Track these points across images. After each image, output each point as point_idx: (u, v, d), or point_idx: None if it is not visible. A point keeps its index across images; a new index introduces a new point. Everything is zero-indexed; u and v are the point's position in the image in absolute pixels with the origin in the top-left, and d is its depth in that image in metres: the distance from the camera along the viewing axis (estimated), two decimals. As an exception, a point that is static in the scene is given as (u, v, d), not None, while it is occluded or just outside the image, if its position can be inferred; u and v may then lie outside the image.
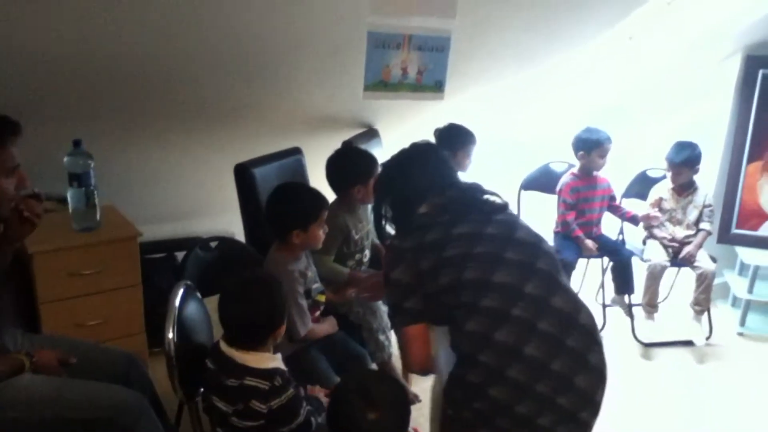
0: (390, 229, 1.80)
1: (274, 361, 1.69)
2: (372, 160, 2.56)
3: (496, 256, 1.53)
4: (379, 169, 1.99)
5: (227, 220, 3.15)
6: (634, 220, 3.57)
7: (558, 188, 3.53)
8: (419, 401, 2.61)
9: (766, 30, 3.52)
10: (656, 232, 3.56)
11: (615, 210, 3.62)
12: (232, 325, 1.66)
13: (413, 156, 1.78)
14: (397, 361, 2.73)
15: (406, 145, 1.86)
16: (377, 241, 2.77)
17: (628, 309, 3.55)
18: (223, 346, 1.67)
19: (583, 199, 3.50)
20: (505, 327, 1.47)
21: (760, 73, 3.67)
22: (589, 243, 3.46)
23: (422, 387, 2.67)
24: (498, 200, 1.68)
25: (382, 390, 1.43)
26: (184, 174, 3.15)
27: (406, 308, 1.59)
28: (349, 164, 2.52)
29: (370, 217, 2.60)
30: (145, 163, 2.97)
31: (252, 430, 1.62)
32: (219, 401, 1.63)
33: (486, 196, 1.69)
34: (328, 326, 2.26)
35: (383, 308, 2.51)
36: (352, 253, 2.57)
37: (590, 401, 1.52)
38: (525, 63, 3.21)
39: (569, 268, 3.42)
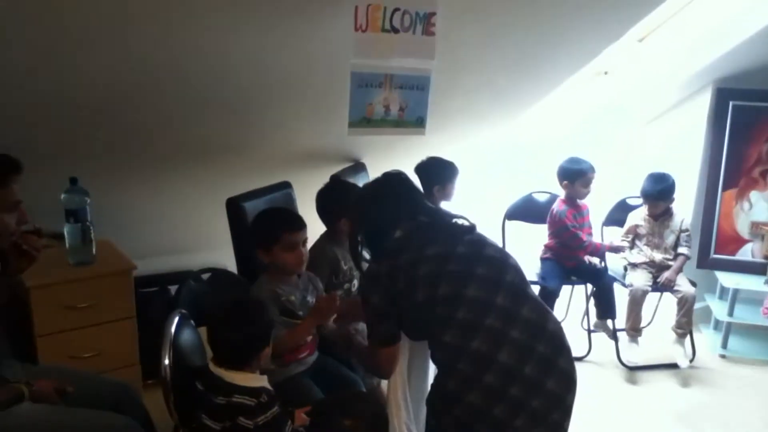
0: (366, 255, 1.91)
1: (261, 381, 1.78)
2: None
3: (467, 273, 1.64)
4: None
5: (220, 254, 3.21)
6: (594, 252, 3.64)
7: (555, 217, 3.61)
8: None
9: (734, 63, 3.67)
10: (634, 257, 3.66)
11: None
12: (219, 346, 1.75)
13: (385, 185, 1.90)
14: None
15: None
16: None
17: (612, 333, 3.64)
18: (212, 367, 1.76)
19: (577, 225, 3.61)
20: (478, 336, 1.58)
21: (731, 104, 3.83)
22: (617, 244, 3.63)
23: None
24: (466, 222, 1.80)
25: (361, 404, 1.51)
26: (178, 210, 3.22)
27: (382, 332, 1.73)
28: (335, 197, 2.63)
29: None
30: (140, 199, 3.05)
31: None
32: (208, 419, 1.71)
33: (454, 220, 1.81)
34: (300, 331, 2.18)
35: None
36: (341, 283, 2.65)
37: (561, 403, 1.63)
38: (502, 101, 3.34)
39: (553, 295, 3.51)
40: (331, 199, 2.63)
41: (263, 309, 1.88)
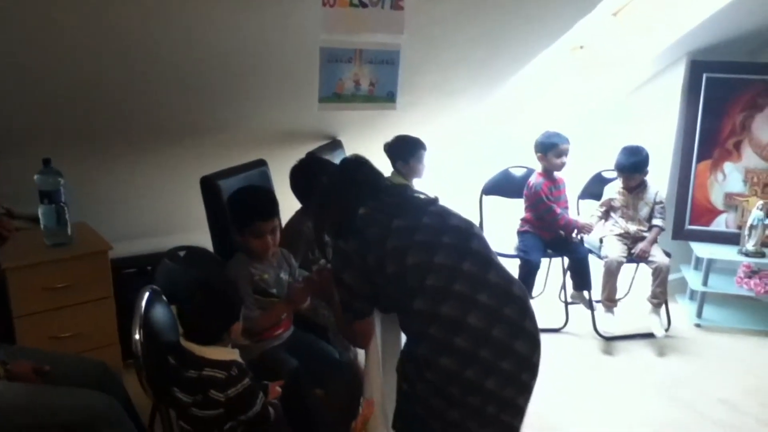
0: (328, 239, 1.93)
1: (231, 354, 1.81)
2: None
3: (434, 242, 1.69)
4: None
5: (200, 234, 3.21)
6: (567, 227, 3.68)
7: (531, 190, 3.66)
8: None
9: (708, 35, 3.69)
10: (608, 229, 3.72)
11: None
12: (188, 321, 1.79)
13: (343, 174, 1.92)
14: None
15: (368, 155, 1.99)
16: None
17: (589, 304, 3.69)
18: (183, 342, 1.79)
19: (553, 198, 3.66)
20: (448, 302, 1.62)
21: (705, 76, 3.86)
22: (583, 222, 3.67)
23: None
24: (428, 196, 1.84)
25: (333, 375, 1.54)
26: (155, 191, 3.23)
27: (355, 308, 1.79)
28: (309, 174, 2.64)
29: None
30: (116, 181, 3.06)
31: (211, 420, 1.72)
32: (179, 393, 1.74)
33: (416, 194, 1.85)
34: (273, 314, 2.25)
35: None
36: (317, 258, 2.68)
37: (529, 364, 1.70)
38: (477, 76, 3.35)
39: (535, 268, 3.55)
40: (305, 176, 2.65)
41: (232, 285, 1.90)
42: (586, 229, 3.67)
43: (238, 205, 2.30)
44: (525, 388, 1.71)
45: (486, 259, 1.72)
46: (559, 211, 3.62)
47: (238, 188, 2.40)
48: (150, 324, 1.85)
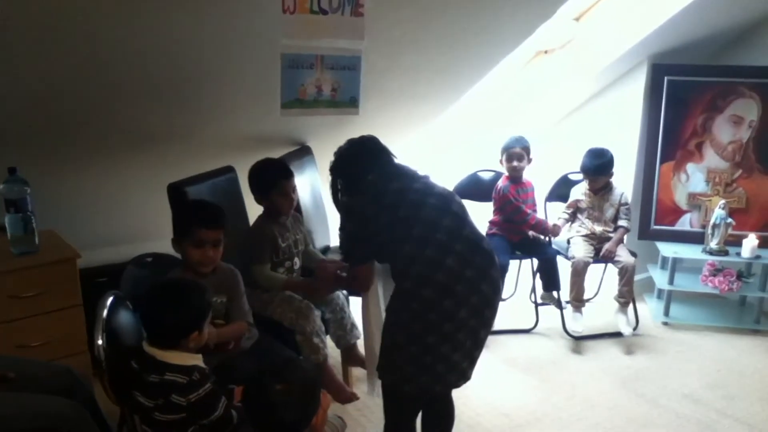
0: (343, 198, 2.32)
1: (194, 359, 1.82)
2: (282, 168, 2.75)
3: (421, 201, 2.07)
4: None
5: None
6: (537, 227, 3.73)
7: (499, 193, 3.72)
8: (357, 399, 2.76)
9: (668, 39, 3.78)
10: (575, 230, 3.79)
11: None
12: (150, 326, 1.80)
13: (361, 145, 2.30)
14: (335, 363, 2.89)
15: None
16: (321, 256, 2.95)
17: (558, 303, 3.75)
18: (146, 346, 1.80)
19: (521, 200, 3.71)
20: (430, 247, 1.99)
21: (666, 79, 3.95)
22: (552, 225, 3.71)
23: (361, 389, 2.82)
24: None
25: (293, 370, 1.57)
26: (123, 198, 3.24)
27: (358, 253, 2.19)
28: (262, 174, 2.70)
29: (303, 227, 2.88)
30: (84, 189, 3.06)
31: (174, 424, 1.74)
32: (141, 397, 1.75)
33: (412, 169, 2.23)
34: (230, 330, 2.27)
35: (316, 312, 2.66)
36: (281, 261, 2.72)
37: (490, 303, 2.07)
38: (442, 81, 3.40)
39: (504, 270, 3.59)
40: (257, 176, 2.70)
41: (197, 293, 1.90)
42: (554, 231, 3.73)
43: (181, 211, 2.36)
44: (486, 323, 2.09)
45: (462, 218, 2.09)
46: (528, 211, 3.68)
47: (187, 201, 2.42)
48: (113, 329, 1.87)
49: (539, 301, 3.84)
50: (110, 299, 1.91)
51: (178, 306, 1.81)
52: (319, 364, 2.66)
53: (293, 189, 2.75)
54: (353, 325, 2.84)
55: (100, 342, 1.79)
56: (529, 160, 3.69)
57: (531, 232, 3.72)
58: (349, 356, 2.91)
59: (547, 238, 3.85)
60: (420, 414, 2.32)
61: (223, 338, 2.20)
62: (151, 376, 1.76)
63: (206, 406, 1.76)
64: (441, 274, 1.97)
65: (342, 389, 2.77)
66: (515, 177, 3.69)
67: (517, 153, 3.63)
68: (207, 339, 1.95)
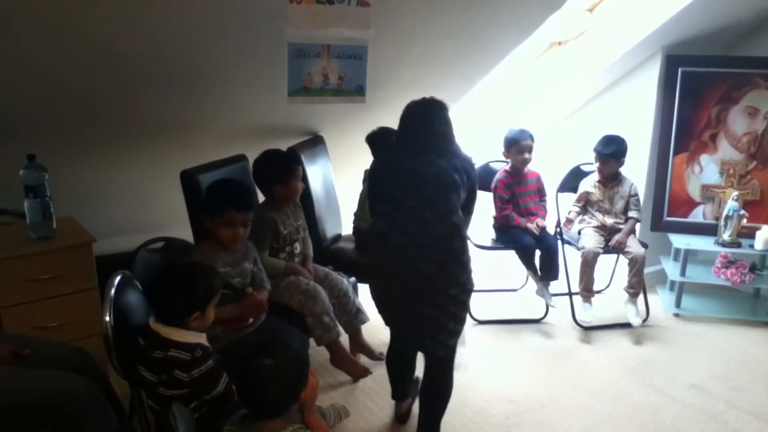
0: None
1: (198, 337, 1.89)
2: (289, 160, 2.82)
3: (406, 177, 2.26)
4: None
5: (186, 230, 3.33)
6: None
7: (492, 185, 3.76)
8: (370, 373, 2.89)
9: (682, 30, 3.76)
10: (566, 224, 3.80)
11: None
12: (156, 303, 1.87)
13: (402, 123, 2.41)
14: (344, 341, 2.95)
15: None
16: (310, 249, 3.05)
17: (547, 295, 3.73)
18: (152, 323, 1.87)
19: (517, 194, 3.73)
20: (403, 210, 2.22)
21: (680, 70, 3.93)
22: (531, 226, 3.66)
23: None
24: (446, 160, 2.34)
25: (281, 347, 1.61)
26: (139, 187, 3.32)
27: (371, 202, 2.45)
28: (268, 165, 2.76)
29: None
30: (100, 178, 3.15)
31: (177, 399, 1.80)
32: (145, 372, 1.83)
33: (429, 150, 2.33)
34: (230, 309, 2.35)
35: (323, 293, 2.72)
36: (282, 247, 2.79)
37: (432, 283, 2.23)
38: (451, 71, 3.43)
39: (530, 251, 3.67)
40: (262, 168, 2.77)
41: (205, 274, 1.97)
42: (567, 223, 3.74)
43: (215, 192, 2.42)
44: (430, 301, 2.25)
45: (430, 202, 2.21)
46: (507, 212, 3.71)
47: (218, 179, 2.49)
48: (121, 307, 1.94)
49: (535, 294, 3.81)
50: (118, 278, 1.98)
51: (184, 287, 1.88)
52: (332, 342, 2.72)
53: (299, 179, 2.82)
54: (359, 310, 2.89)
55: (107, 319, 1.85)
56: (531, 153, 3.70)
57: (529, 225, 3.70)
58: (355, 342, 2.96)
59: (558, 229, 3.86)
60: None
61: (251, 308, 2.39)
62: (155, 352, 1.83)
63: (208, 382, 1.83)
64: (388, 247, 2.22)
65: (355, 365, 2.83)
66: (519, 169, 3.71)
67: (527, 145, 3.65)
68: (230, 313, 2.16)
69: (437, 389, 2.49)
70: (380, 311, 2.45)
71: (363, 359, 3.09)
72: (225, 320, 2.26)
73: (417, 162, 2.26)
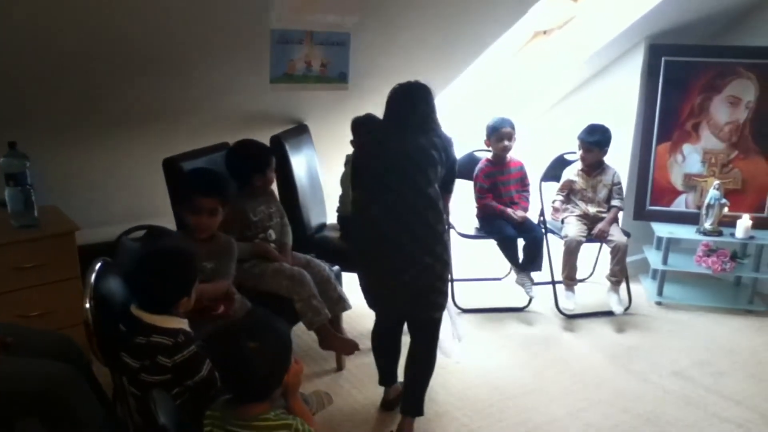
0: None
1: (180, 323, 1.89)
2: (268, 150, 2.85)
3: (386, 155, 2.36)
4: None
5: (169, 219, 3.31)
6: (503, 213, 3.73)
7: (474, 174, 3.77)
8: (359, 348, 2.85)
9: (666, 19, 3.78)
10: (553, 213, 3.82)
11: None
12: (142, 291, 1.86)
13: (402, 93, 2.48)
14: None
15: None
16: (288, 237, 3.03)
17: (528, 284, 3.73)
18: (134, 309, 1.87)
19: (499, 183, 3.75)
20: (380, 187, 2.34)
21: (663, 60, 3.95)
22: (514, 213, 3.69)
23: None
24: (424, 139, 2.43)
25: (264, 330, 1.62)
26: (122, 176, 3.29)
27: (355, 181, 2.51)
28: (247, 156, 2.78)
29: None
30: (84, 166, 3.12)
31: (159, 385, 1.80)
32: (128, 357, 1.82)
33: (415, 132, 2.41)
34: (210, 287, 2.37)
35: (308, 276, 2.72)
36: (254, 234, 2.80)
37: (406, 251, 2.34)
38: (437, 59, 3.43)
39: (513, 242, 3.69)
40: (244, 158, 2.77)
41: (187, 261, 1.97)
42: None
43: (184, 179, 2.45)
44: (405, 270, 2.35)
45: (409, 177, 2.31)
46: (487, 201, 3.73)
47: (192, 167, 2.49)
48: (102, 294, 1.93)
49: (515, 282, 3.82)
50: (98, 264, 1.97)
51: (170, 273, 1.88)
52: (322, 325, 2.72)
53: (273, 169, 2.85)
54: (341, 297, 2.88)
55: (88, 305, 1.84)
56: (513, 142, 3.71)
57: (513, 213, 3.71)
58: (335, 327, 2.93)
59: (541, 219, 3.89)
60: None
61: (205, 294, 2.29)
62: (137, 338, 1.82)
63: (190, 368, 1.83)
64: (367, 217, 2.36)
65: (344, 342, 2.83)
66: (501, 157, 3.73)
67: (507, 132, 3.66)
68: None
69: (419, 360, 2.55)
70: (363, 285, 2.52)
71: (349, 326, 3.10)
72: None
73: (397, 138, 2.37)
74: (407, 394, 2.59)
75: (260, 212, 2.81)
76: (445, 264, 2.42)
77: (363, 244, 2.45)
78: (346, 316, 3.05)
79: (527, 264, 3.73)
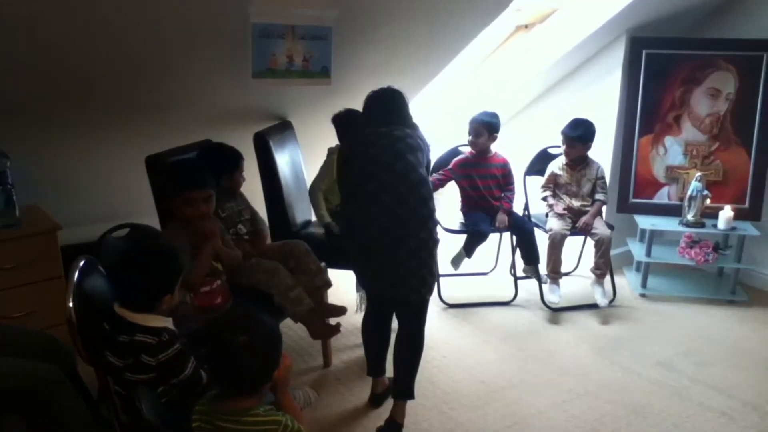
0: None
1: (164, 321, 1.88)
2: (237, 155, 2.86)
3: (374, 156, 2.42)
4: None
5: (153, 218, 3.29)
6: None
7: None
8: (339, 331, 2.84)
9: (646, 12, 3.80)
10: (554, 206, 3.82)
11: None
12: (123, 289, 1.86)
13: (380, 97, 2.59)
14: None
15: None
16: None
17: (538, 276, 3.80)
18: (117, 308, 1.85)
19: (475, 175, 3.77)
20: (368, 184, 2.39)
21: (644, 53, 3.97)
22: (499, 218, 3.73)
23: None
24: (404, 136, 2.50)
25: (254, 324, 1.61)
26: (104, 174, 3.28)
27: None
28: (215, 158, 2.80)
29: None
30: (66, 164, 3.10)
31: (144, 383, 1.80)
32: (112, 356, 1.81)
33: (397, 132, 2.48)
34: (228, 251, 2.51)
35: (283, 269, 2.71)
36: (225, 229, 2.79)
37: (416, 237, 2.41)
38: (419, 54, 3.43)
39: (482, 237, 3.69)
40: (213, 160, 2.79)
41: (171, 258, 1.97)
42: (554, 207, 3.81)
43: (172, 174, 2.47)
44: (403, 257, 2.42)
45: (401, 157, 2.39)
46: (437, 181, 3.80)
47: (173, 162, 2.50)
48: (86, 292, 1.92)
49: (521, 274, 3.89)
50: (82, 262, 1.96)
51: (154, 271, 1.88)
52: (305, 314, 2.71)
53: (242, 172, 2.89)
54: (319, 269, 2.87)
55: (71, 304, 1.83)
56: (493, 138, 3.71)
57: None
58: (319, 305, 2.91)
59: (525, 212, 3.91)
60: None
61: (223, 255, 2.47)
62: (121, 336, 1.81)
63: (175, 366, 1.82)
64: (364, 193, 2.40)
65: (327, 326, 2.82)
66: (483, 152, 3.76)
67: (474, 127, 3.69)
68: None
69: (408, 343, 2.60)
70: (356, 263, 2.59)
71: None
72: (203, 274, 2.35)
73: (386, 127, 2.47)
74: (398, 379, 2.63)
75: (228, 208, 2.83)
76: (436, 242, 2.49)
77: (360, 219, 2.46)
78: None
79: (527, 259, 3.79)
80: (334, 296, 2.93)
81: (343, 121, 3.23)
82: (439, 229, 3.65)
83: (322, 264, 3.04)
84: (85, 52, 2.46)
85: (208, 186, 2.43)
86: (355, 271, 2.74)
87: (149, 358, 1.79)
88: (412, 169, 2.40)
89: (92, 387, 2.26)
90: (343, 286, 3.59)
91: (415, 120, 2.60)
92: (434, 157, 3.90)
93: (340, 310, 2.90)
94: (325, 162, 3.37)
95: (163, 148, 2.82)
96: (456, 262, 3.85)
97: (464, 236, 3.78)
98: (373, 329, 2.75)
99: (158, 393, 1.83)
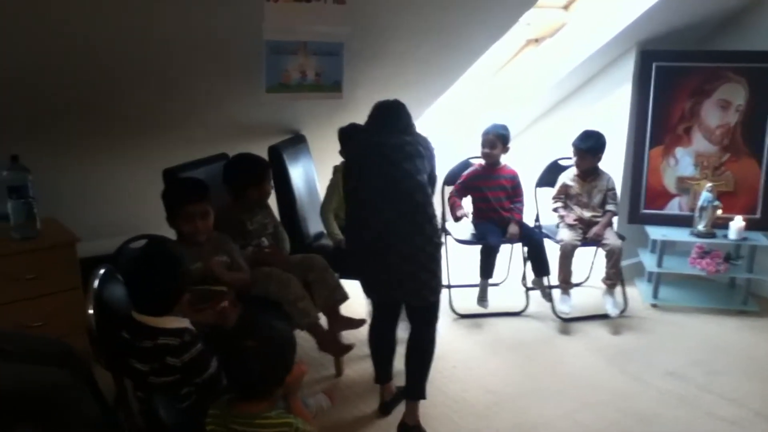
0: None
1: (183, 322, 1.93)
2: (263, 164, 2.92)
3: (373, 166, 2.50)
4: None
5: (170, 230, 3.35)
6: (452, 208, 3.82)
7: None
8: (352, 348, 2.93)
9: (656, 25, 3.84)
10: (565, 218, 3.84)
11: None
12: (143, 296, 1.91)
13: (384, 107, 2.63)
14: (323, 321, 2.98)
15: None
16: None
17: (545, 291, 3.80)
18: (135, 315, 1.90)
19: (485, 187, 3.81)
20: (362, 195, 2.49)
21: (654, 65, 4.01)
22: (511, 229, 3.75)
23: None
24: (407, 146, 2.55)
25: (265, 329, 1.66)
26: (123, 188, 3.33)
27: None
28: (242, 169, 2.85)
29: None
30: (84, 179, 3.16)
31: (168, 386, 1.84)
32: (137, 363, 1.85)
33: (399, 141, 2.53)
34: (232, 274, 2.54)
35: (295, 279, 2.76)
36: (248, 242, 2.86)
37: (403, 237, 2.46)
38: (429, 68, 3.49)
39: (494, 251, 3.71)
40: (240, 171, 2.84)
41: (176, 260, 2.00)
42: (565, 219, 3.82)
43: (168, 192, 2.53)
44: (401, 255, 2.47)
45: (398, 165, 2.45)
46: (453, 201, 3.80)
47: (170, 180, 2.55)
48: (105, 301, 1.97)
49: (530, 286, 3.91)
50: (102, 270, 2.02)
51: (162, 272, 1.92)
52: (312, 324, 2.75)
53: (270, 182, 2.95)
54: (338, 283, 2.92)
55: (90, 312, 1.88)
56: (506, 150, 3.76)
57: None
58: (336, 318, 2.96)
59: (536, 224, 3.94)
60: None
61: (227, 281, 2.49)
62: (144, 342, 1.86)
63: (199, 365, 1.87)
64: (360, 200, 2.51)
65: (339, 344, 2.87)
66: (492, 164, 3.80)
67: (487, 140, 3.74)
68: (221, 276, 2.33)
69: (418, 346, 2.66)
70: (354, 269, 2.67)
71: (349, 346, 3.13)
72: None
73: (386, 136, 2.53)
74: (409, 380, 2.68)
75: (256, 222, 2.89)
76: (436, 245, 2.52)
77: (356, 225, 2.54)
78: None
79: (536, 270, 3.78)
80: (348, 306, 2.97)
81: (346, 135, 3.31)
82: (450, 239, 3.76)
83: (335, 275, 3.08)
84: (109, 69, 2.53)
85: (205, 200, 2.47)
86: (357, 278, 2.80)
87: (174, 359, 1.83)
88: (408, 176, 2.45)
89: (109, 393, 2.31)
90: (357, 297, 3.62)
91: (425, 134, 2.63)
92: (445, 169, 3.97)
93: (357, 323, 2.93)
94: (331, 181, 3.40)
95: (179, 161, 2.90)
96: (481, 300, 3.78)
97: (473, 247, 3.81)
98: (378, 336, 2.80)
99: (182, 395, 1.86)
